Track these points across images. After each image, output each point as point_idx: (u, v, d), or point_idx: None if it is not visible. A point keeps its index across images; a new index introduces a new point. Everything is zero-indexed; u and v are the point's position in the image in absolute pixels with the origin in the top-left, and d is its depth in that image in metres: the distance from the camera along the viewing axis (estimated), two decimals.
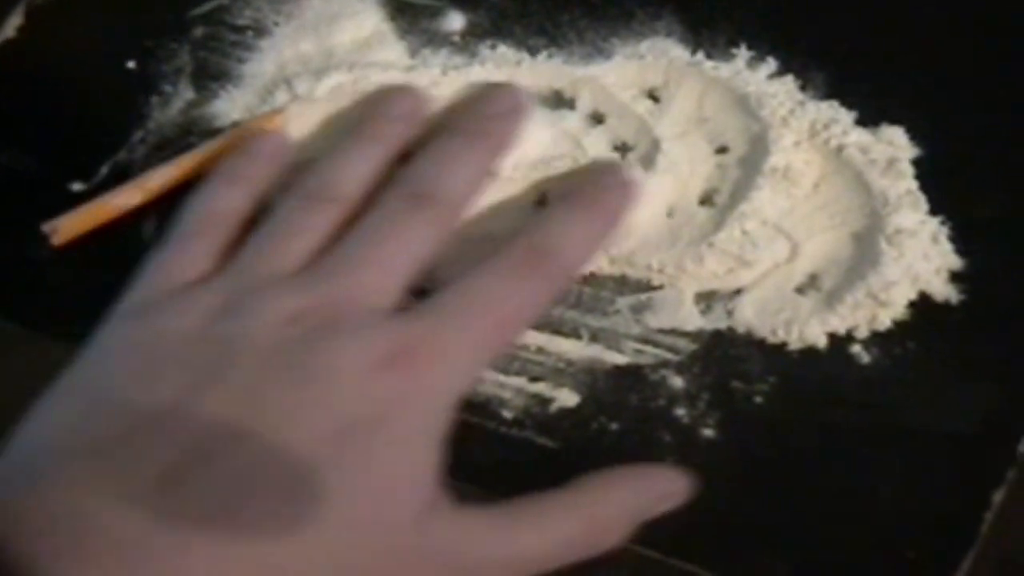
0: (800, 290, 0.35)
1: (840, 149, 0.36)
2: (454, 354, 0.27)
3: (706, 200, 0.37)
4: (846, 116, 0.37)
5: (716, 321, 0.35)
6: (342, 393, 0.26)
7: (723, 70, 0.38)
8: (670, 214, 0.36)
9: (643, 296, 0.36)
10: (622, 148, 0.38)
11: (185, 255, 0.31)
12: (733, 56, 0.39)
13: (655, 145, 0.37)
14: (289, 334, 0.27)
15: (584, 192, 0.31)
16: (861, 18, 0.40)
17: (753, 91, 0.37)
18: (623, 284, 0.36)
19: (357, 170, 0.32)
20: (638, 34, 0.40)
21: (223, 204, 0.33)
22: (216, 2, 0.43)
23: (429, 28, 0.41)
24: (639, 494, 0.29)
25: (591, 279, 0.36)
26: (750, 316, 0.35)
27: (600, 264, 0.36)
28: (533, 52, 0.40)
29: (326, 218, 0.31)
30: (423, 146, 0.33)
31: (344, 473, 0.25)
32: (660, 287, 0.36)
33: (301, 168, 0.35)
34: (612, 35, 0.40)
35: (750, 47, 0.39)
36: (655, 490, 0.29)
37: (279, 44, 0.41)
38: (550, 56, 0.40)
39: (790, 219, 0.36)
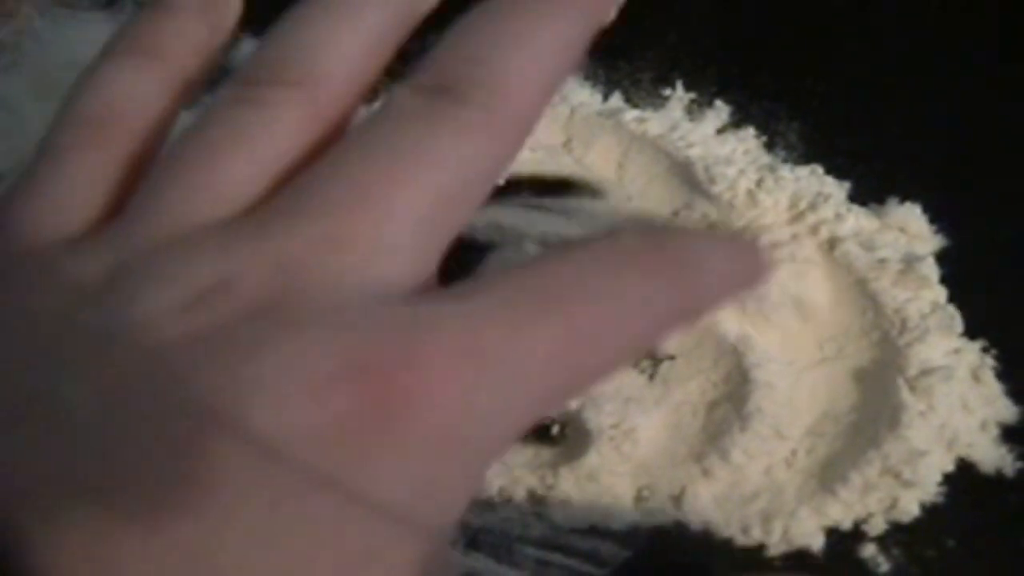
0: (782, 464, 0.29)
1: (832, 243, 0.30)
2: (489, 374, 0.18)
3: None
4: (837, 189, 0.31)
5: (657, 514, 0.29)
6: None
7: (653, 122, 0.32)
8: None
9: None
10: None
11: (56, 184, 0.23)
12: (664, 100, 0.32)
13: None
14: (196, 328, 0.19)
15: None
16: (851, 44, 0.34)
17: (697, 154, 0.31)
18: None
19: (344, 41, 0.22)
20: None
21: (121, 96, 0.23)
22: None
23: None
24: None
25: None
26: (708, 506, 0.29)
27: None
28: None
29: (288, 120, 0.21)
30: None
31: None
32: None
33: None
34: None
35: (689, 86, 0.33)
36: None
37: None
38: None
39: (756, 349, 0.30)
